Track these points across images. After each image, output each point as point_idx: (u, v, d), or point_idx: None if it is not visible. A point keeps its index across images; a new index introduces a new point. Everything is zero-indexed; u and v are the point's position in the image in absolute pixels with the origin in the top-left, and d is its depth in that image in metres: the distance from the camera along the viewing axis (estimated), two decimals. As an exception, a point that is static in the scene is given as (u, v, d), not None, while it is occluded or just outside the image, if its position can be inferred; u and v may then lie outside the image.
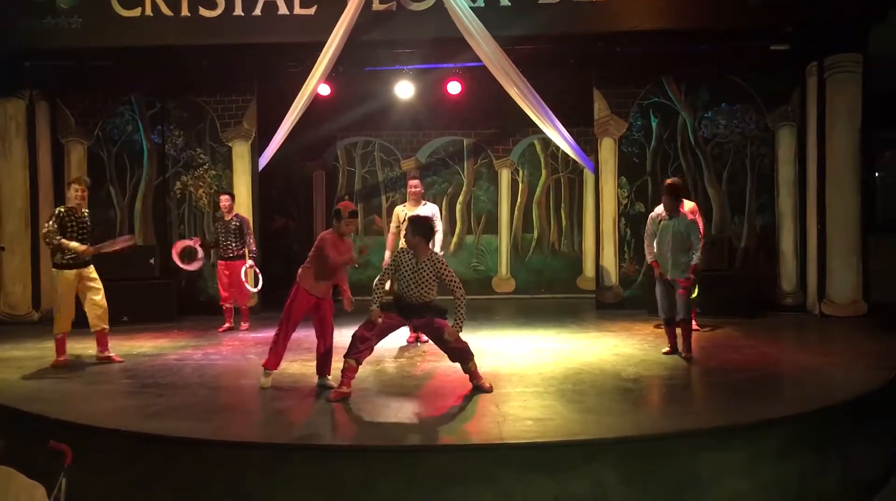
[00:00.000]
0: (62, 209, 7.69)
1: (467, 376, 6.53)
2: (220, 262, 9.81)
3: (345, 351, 6.35)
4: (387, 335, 6.46)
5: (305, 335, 9.12)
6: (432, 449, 5.22)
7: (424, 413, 6.00)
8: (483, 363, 7.38)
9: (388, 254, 8.76)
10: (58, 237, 7.51)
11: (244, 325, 9.82)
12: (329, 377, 6.76)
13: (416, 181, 8.77)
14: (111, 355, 7.97)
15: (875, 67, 10.00)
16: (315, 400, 6.48)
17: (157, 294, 10.54)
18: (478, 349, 7.56)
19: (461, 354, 6.45)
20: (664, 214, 7.70)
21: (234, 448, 5.26)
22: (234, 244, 9.71)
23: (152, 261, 10.51)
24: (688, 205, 8.75)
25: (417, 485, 4.99)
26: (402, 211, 8.74)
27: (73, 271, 7.69)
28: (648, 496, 4.92)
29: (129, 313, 10.21)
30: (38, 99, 10.95)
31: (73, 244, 7.55)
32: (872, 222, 10.68)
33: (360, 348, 6.29)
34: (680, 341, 7.64)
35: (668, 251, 7.57)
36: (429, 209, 8.60)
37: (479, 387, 6.47)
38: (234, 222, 9.73)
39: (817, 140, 10.25)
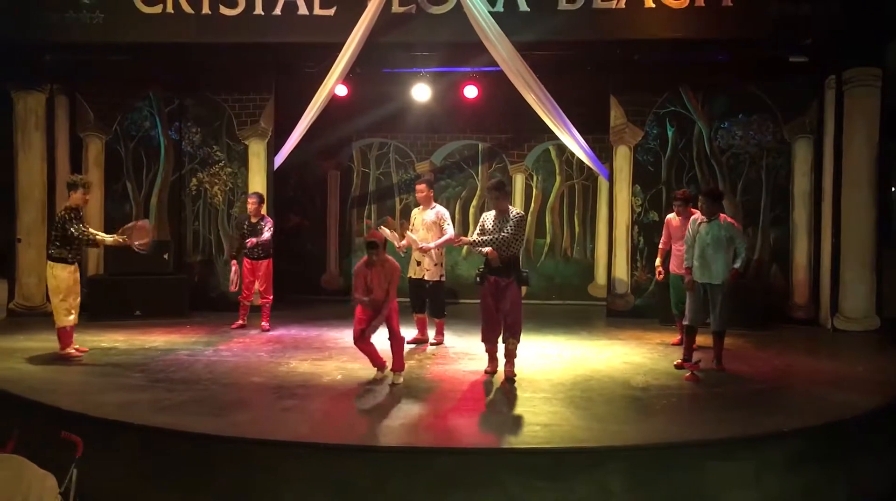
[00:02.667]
0: (68, 212, 7.73)
1: (506, 354, 7.16)
2: (246, 260, 9.74)
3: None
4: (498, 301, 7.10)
5: (316, 334, 9.18)
6: (439, 451, 5.24)
7: (432, 415, 6.01)
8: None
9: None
10: (91, 234, 7.77)
11: (265, 324, 9.69)
12: (392, 374, 7.03)
13: (421, 186, 8.84)
14: (77, 347, 8.06)
15: (893, 81, 9.95)
16: (324, 399, 6.52)
17: (169, 289, 10.56)
18: (486, 354, 7.58)
19: (517, 327, 7.11)
20: (703, 218, 7.61)
21: (242, 445, 5.30)
22: (261, 246, 9.67)
23: (166, 256, 10.56)
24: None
25: (424, 487, 5.01)
26: (416, 214, 8.90)
27: (74, 265, 7.84)
28: (654, 505, 4.93)
29: (142, 307, 10.28)
30: (57, 93, 11.02)
31: (108, 238, 7.81)
32: (888, 237, 10.62)
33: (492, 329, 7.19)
34: (693, 351, 7.57)
35: (706, 254, 7.45)
36: (434, 213, 8.67)
37: (507, 370, 7.12)
38: (261, 226, 9.70)
39: (834, 153, 10.19)
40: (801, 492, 5.40)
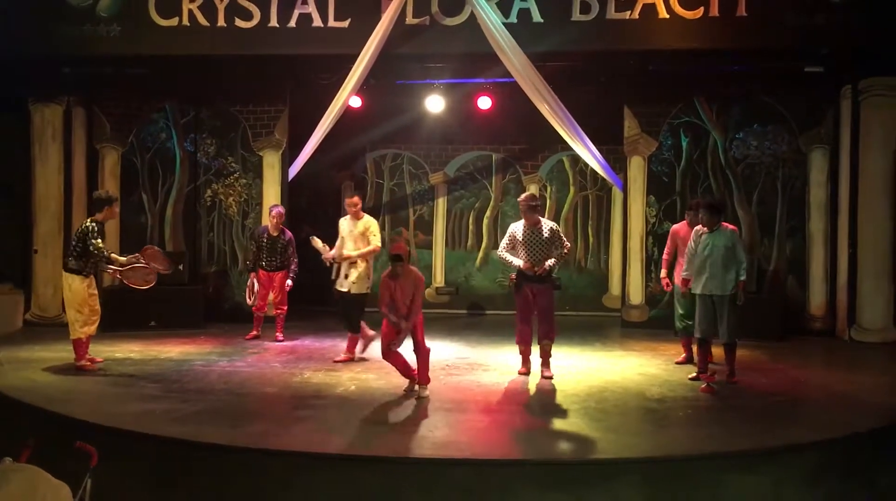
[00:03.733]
0: (93, 225, 7.76)
1: (542, 355, 7.63)
2: (262, 272, 9.80)
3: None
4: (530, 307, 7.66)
5: (330, 345, 9.18)
6: (453, 463, 5.21)
7: (446, 426, 5.99)
8: (506, 379, 7.39)
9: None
10: (107, 251, 7.77)
11: (279, 335, 9.71)
12: (417, 387, 6.96)
13: (355, 199, 8.70)
14: (91, 357, 8.05)
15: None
16: (338, 410, 6.51)
17: (184, 300, 10.60)
18: (501, 365, 7.56)
19: (551, 329, 7.61)
20: (705, 229, 7.54)
21: (256, 455, 5.30)
22: (278, 259, 9.72)
23: (181, 267, 10.59)
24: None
25: (436, 498, 4.99)
26: (343, 223, 8.72)
27: (90, 278, 7.87)
28: (670, 518, 4.88)
29: (157, 318, 10.31)
30: (75, 105, 11.10)
31: (122, 259, 7.81)
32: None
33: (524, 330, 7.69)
34: (708, 363, 7.52)
35: (710, 266, 7.39)
36: (362, 224, 8.51)
37: (544, 372, 7.58)
38: (281, 240, 9.71)
39: (850, 163, 10.14)
40: (819, 506, 5.34)
